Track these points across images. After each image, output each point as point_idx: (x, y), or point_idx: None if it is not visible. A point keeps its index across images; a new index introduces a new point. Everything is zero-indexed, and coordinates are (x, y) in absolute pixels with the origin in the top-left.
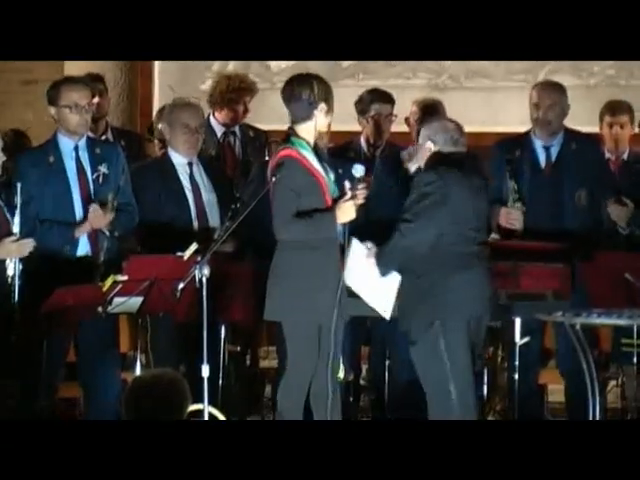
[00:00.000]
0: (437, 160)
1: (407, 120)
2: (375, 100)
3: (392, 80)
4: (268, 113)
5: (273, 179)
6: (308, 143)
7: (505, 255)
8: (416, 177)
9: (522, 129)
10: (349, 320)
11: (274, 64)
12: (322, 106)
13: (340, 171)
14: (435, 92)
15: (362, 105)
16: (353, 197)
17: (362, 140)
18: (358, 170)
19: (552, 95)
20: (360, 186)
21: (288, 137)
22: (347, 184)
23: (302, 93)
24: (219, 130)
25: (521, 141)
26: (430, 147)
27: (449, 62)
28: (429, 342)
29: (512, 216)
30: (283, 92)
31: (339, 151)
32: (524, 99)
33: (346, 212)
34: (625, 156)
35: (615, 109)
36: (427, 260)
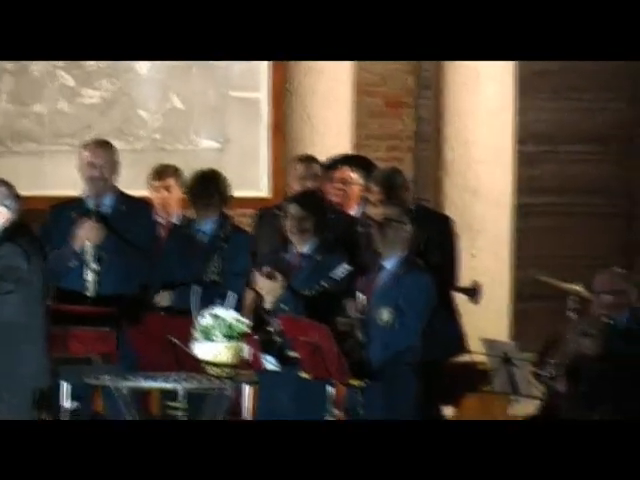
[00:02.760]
0: (15, 229)
1: None
2: None
3: None
4: None
5: None
6: None
7: (54, 319)
8: None
9: (72, 192)
10: None
11: None
12: None
13: None
14: None
15: None
16: None
17: None
18: None
19: (105, 153)
20: None
21: None
22: None
23: None
24: None
25: (76, 204)
26: (3, 213)
27: None
28: None
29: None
30: None
31: None
32: (71, 162)
33: None
34: (175, 219)
35: (161, 173)
36: None
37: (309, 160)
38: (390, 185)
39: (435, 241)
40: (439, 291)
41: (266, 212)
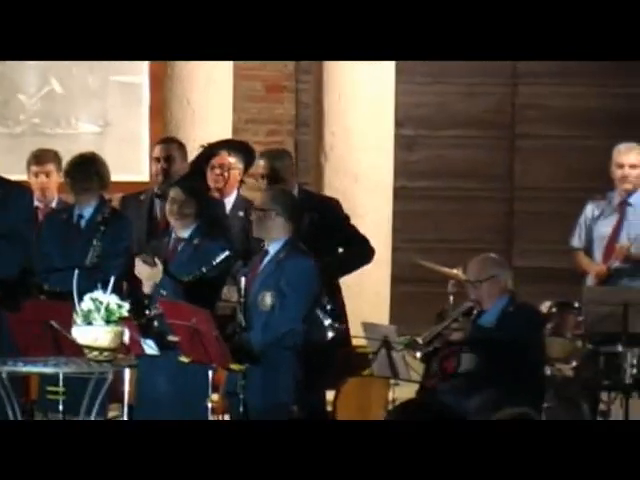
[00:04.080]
0: None
1: None
2: None
3: None
4: None
5: None
6: None
7: None
8: None
9: None
10: None
11: None
12: None
13: None
14: None
15: None
16: None
17: None
18: None
19: None
20: None
21: None
22: None
23: None
24: None
25: None
26: None
27: None
28: None
29: None
30: None
31: None
32: None
33: None
34: (54, 204)
35: (40, 158)
36: None
37: (167, 141)
38: (277, 166)
39: (322, 225)
40: (329, 275)
41: (130, 197)
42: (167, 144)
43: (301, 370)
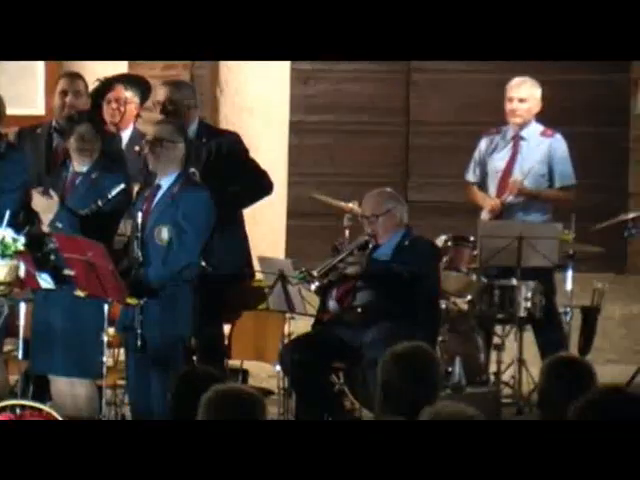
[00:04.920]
0: None
1: None
2: None
3: None
4: None
5: None
6: None
7: None
8: None
9: None
10: None
11: None
12: None
13: None
14: None
15: None
16: None
17: None
18: None
19: None
20: None
21: None
22: None
23: None
24: None
25: None
26: None
27: None
28: None
29: None
30: None
31: None
32: None
33: None
34: None
35: None
36: None
37: (73, 76)
38: (176, 97)
39: (222, 159)
40: (232, 208)
41: (26, 131)
42: (74, 78)
43: (199, 303)
